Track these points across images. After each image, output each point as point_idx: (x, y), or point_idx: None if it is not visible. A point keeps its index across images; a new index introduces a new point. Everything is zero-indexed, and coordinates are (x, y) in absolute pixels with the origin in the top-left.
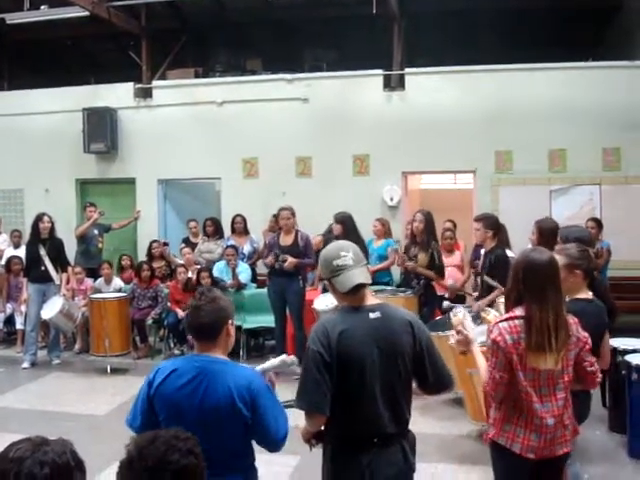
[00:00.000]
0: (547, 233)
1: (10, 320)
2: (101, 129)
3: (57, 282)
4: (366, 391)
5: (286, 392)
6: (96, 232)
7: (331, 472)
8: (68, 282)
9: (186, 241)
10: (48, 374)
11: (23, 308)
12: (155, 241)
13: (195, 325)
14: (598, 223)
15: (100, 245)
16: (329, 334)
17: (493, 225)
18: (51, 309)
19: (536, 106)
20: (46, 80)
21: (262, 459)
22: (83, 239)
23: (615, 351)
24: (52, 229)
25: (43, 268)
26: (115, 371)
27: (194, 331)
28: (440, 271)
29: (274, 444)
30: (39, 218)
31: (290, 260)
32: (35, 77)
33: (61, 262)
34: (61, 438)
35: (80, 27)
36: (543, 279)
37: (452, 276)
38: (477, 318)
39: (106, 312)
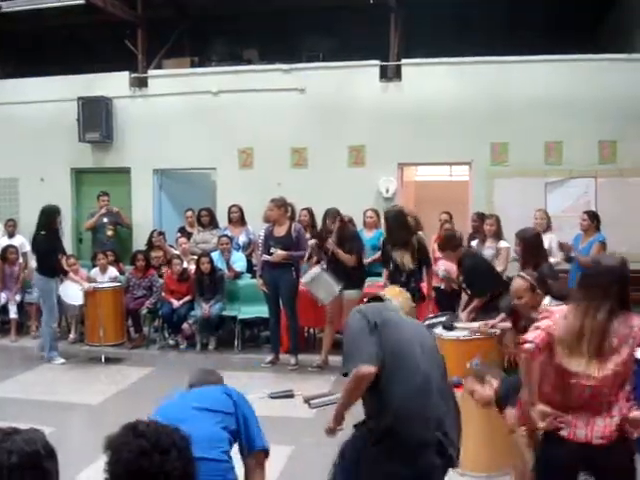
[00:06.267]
0: (530, 242)
1: (4, 309)
2: (96, 118)
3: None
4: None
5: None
6: (105, 220)
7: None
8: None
9: (182, 230)
10: (42, 364)
11: (17, 297)
12: (156, 231)
13: None
14: (594, 216)
15: (110, 232)
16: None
17: (454, 244)
18: (74, 295)
19: (532, 98)
20: (41, 69)
21: None
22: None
23: None
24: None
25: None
26: (109, 361)
27: None
28: (428, 263)
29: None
30: (58, 212)
31: (278, 253)
32: (30, 66)
33: (63, 251)
34: (32, 427)
35: (75, 15)
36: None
37: (451, 268)
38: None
39: (100, 301)
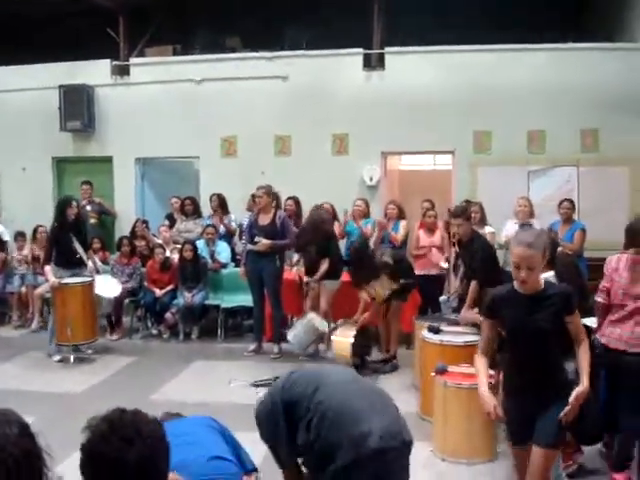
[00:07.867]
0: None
1: None
2: (78, 107)
3: (89, 264)
4: None
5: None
6: (89, 208)
7: None
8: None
9: (169, 217)
10: (24, 353)
11: None
12: (140, 220)
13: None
14: (573, 205)
15: (93, 221)
16: None
17: (468, 214)
18: (111, 288)
19: (515, 87)
20: (21, 57)
21: (248, 438)
22: None
23: (590, 330)
24: (78, 212)
25: (78, 256)
26: (81, 360)
27: None
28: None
29: None
30: (68, 203)
31: (263, 242)
32: (10, 54)
33: (83, 242)
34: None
35: (56, 3)
36: None
37: (434, 256)
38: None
39: (68, 298)
